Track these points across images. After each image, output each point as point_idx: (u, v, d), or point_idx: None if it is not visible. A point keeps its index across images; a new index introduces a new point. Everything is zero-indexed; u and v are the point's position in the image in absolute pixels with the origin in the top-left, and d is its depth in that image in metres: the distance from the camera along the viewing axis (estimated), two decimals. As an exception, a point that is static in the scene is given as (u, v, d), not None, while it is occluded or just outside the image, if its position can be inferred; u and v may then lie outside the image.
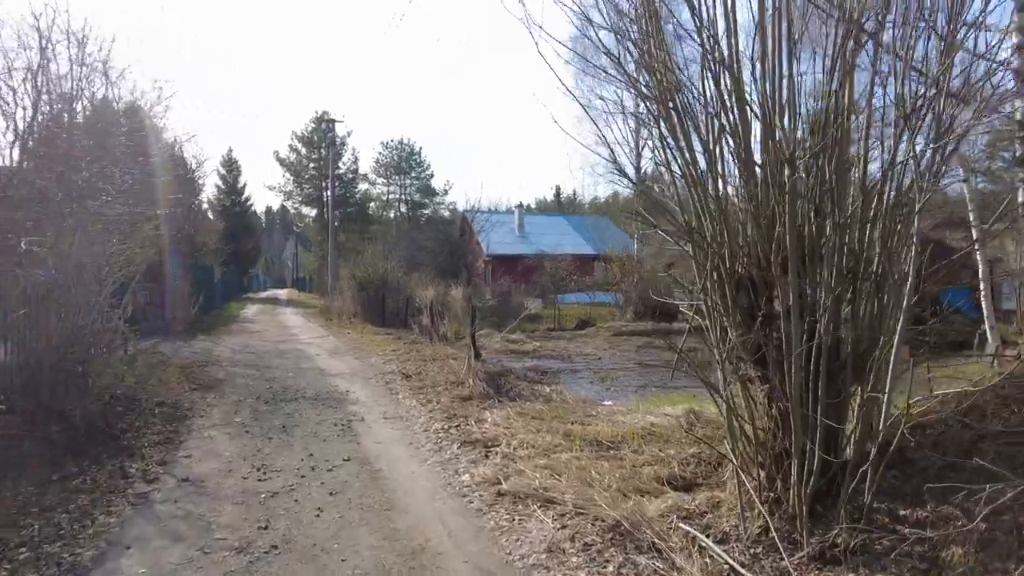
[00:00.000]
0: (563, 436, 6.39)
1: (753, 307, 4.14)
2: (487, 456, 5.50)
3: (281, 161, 45.57)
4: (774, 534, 3.59)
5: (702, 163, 4.36)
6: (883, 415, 3.36)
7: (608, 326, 21.92)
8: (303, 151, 45.70)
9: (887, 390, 3.68)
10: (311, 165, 45.55)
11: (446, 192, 48.41)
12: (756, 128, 3.97)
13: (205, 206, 34.94)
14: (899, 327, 3.57)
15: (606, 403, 8.99)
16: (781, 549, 3.47)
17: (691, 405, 7.90)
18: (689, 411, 7.70)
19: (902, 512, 3.41)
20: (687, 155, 4.36)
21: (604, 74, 4.90)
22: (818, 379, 3.62)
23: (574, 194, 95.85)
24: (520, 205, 40.86)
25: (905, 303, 3.53)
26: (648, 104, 4.38)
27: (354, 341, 15.09)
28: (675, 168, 4.52)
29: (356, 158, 47.39)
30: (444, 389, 8.51)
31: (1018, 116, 8.91)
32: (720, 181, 4.21)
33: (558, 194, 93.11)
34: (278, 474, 5.07)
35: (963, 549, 2.96)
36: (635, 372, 12.54)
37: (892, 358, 3.63)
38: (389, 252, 25.98)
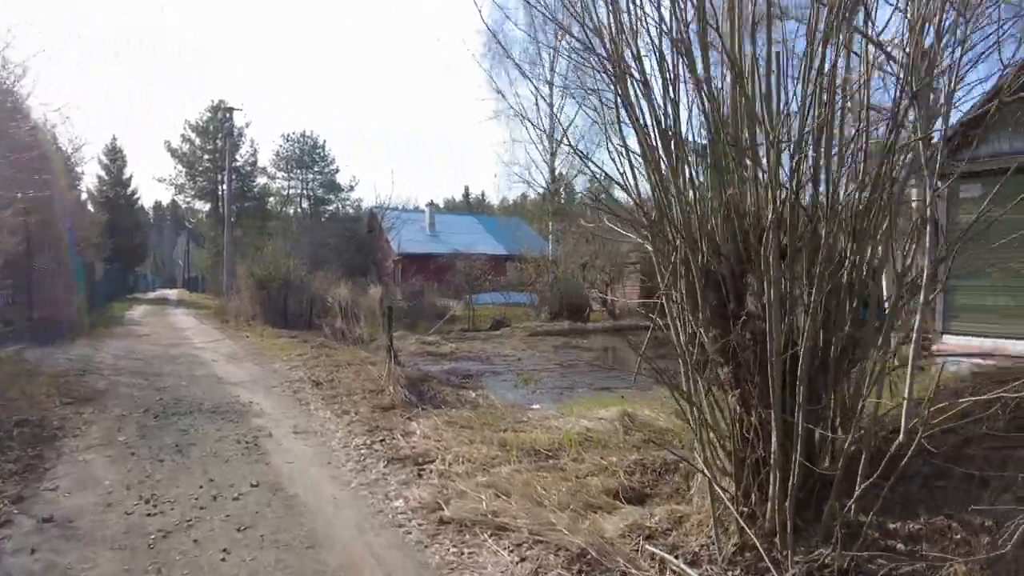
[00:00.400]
0: (499, 446, 5.90)
1: (723, 305, 3.80)
2: (420, 475, 4.89)
3: (173, 152, 42.22)
4: (760, 551, 3.23)
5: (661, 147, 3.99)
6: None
7: (524, 326, 21.65)
8: (197, 141, 42.56)
9: (866, 394, 3.48)
10: (206, 157, 42.50)
11: (352, 188, 46.61)
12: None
13: (84, 196, 31.70)
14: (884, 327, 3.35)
15: (535, 407, 8.58)
16: (770, 568, 3.12)
17: (624, 407, 7.62)
18: (623, 414, 7.41)
19: (892, 525, 3.15)
20: (649, 136, 3.98)
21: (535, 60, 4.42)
22: (797, 383, 3.30)
23: (483, 195, 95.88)
24: (431, 203, 40.00)
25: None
26: (608, 76, 3.94)
27: (254, 345, 13.89)
28: (634, 152, 4.13)
29: (255, 150, 44.76)
30: (362, 398, 7.78)
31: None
32: (686, 166, 3.85)
33: (467, 194, 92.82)
34: (172, 506, 4.24)
35: (967, 567, 2.73)
36: (557, 373, 12.23)
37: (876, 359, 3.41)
38: (291, 249, 24.50)
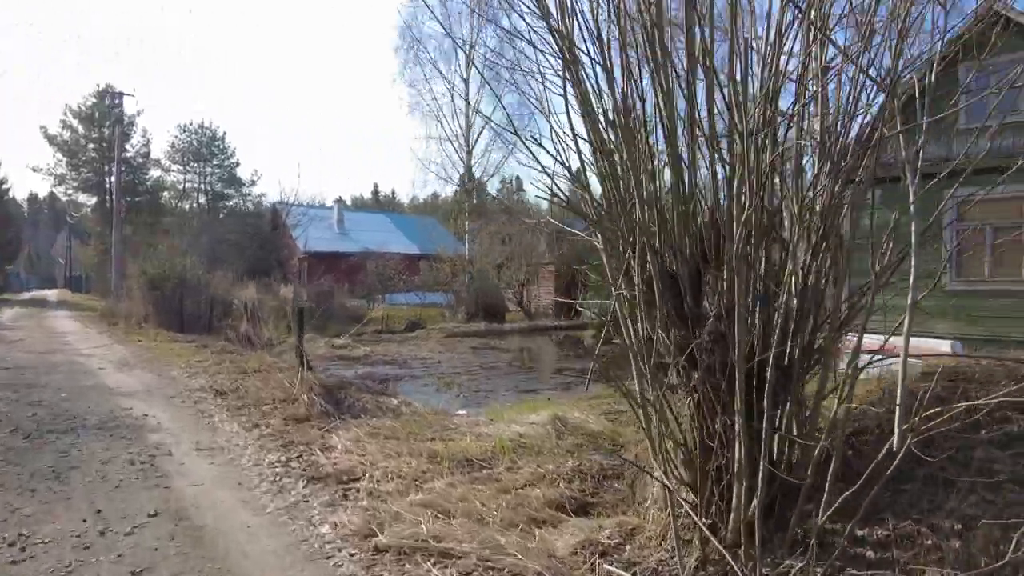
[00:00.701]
0: (428, 458, 5.51)
1: (681, 306, 3.61)
2: (346, 495, 4.42)
3: (51, 139, 38.39)
4: (727, 562, 3.04)
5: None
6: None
7: (440, 327, 21.19)
8: (80, 129, 38.94)
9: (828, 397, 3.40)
10: (91, 146, 38.95)
11: (254, 183, 44.18)
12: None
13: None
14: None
15: (461, 413, 8.23)
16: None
17: (555, 411, 7.40)
18: (555, 418, 7.19)
19: (860, 532, 3.05)
20: (600, 123, 3.74)
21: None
22: (765, 387, 3.14)
23: (393, 193, 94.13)
24: (339, 200, 38.66)
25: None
26: (558, 57, 3.65)
27: (148, 351, 12.68)
28: (584, 137, 3.87)
29: (148, 141, 41.55)
30: (273, 408, 7.13)
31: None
32: (647, 157, 3.63)
33: (376, 192, 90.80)
34: (46, 549, 3.56)
35: (942, 571, 2.65)
36: (479, 376, 11.92)
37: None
38: (189, 247, 22.83)
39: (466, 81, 22.87)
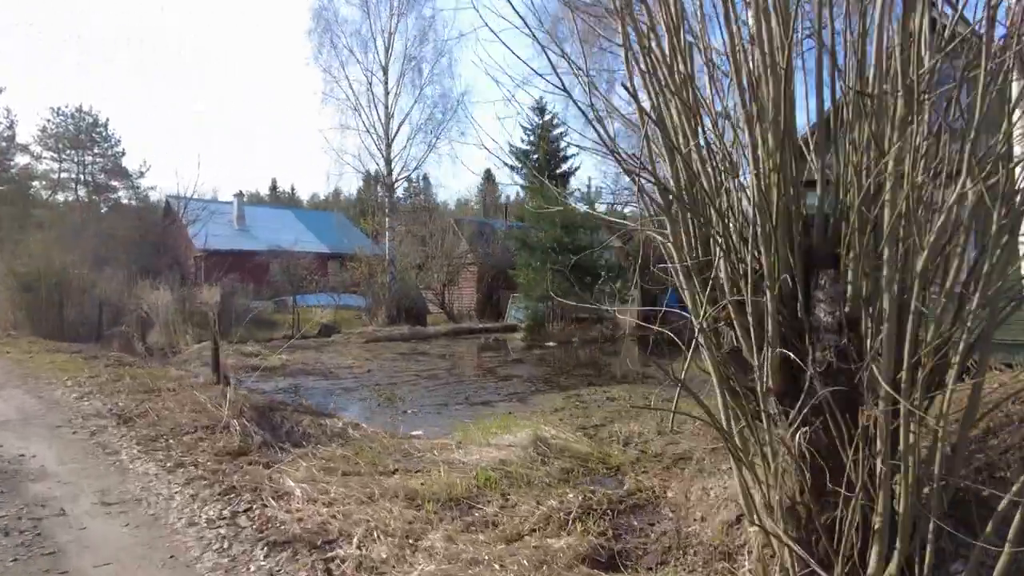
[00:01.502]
0: (406, 500, 4.53)
1: (794, 314, 2.84)
2: (329, 571, 3.34)
3: None
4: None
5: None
6: None
7: (359, 332, 19.78)
8: (-78, 106, 33.95)
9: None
10: (-62, 126, 34.09)
11: (142, 174, 40.30)
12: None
13: None
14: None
15: (418, 434, 7.22)
16: None
17: (532, 430, 6.56)
18: (536, 439, 6.34)
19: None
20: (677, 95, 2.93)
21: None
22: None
23: (293, 189, 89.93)
24: (240, 194, 35.82)
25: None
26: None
27: (20, 364, 10.66)
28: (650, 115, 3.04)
29: (13, 122, 36.92)
30: (197, 438, 5.82)
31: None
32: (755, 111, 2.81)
33: (274, 187, 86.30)
34: None
35: None
36: (421, 387, 10.85)
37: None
38: (67, 243, 20.07)
39: (385, 69, 21.56)
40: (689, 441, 6.92)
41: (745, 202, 2.95)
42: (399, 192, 25.17)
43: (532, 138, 45.64)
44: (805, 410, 2.65)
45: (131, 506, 4.27)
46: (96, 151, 39.69)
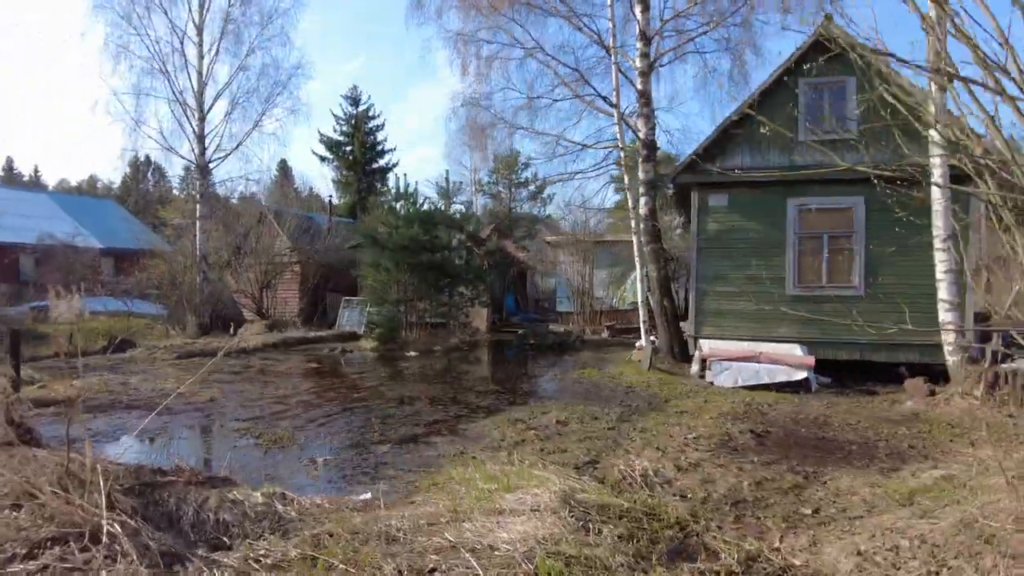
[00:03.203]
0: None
1: None
2: None
3: None
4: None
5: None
6: None
7: (166, 346, 15.87)
8: None
9: None
10: None
11: None
12: None
13: None
14: None
15: (364, 498, 5.24)
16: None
17: (554, 485, 4.99)
18: (565, 498, 4.81)
19: None
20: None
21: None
22: None
23: (37, 171, 75.30)
24: (-31, 172, 27.89)
25: None
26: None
27: None
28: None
29: None
30: (40, 547, 3.28)
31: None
32: None
33: (11, 167, 71.35)
34: None
35: None
36: (304, 420, 8.44)
37: None
38: None
39: (200, 28, 17.72)
40: (715, 471, 5.83)
41: None
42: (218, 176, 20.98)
43: (345, 128, 42.53)
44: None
45: None
46: None
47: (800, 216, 11.42)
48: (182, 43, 17.54)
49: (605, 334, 19.44)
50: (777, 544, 4.27)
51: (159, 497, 4.25)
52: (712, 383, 10.58)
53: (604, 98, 13.53)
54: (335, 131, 42.10)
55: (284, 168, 52.05)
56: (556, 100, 14.36)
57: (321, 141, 41.52)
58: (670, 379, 11.16)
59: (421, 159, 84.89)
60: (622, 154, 12.46)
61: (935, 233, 9.27)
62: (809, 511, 4.80)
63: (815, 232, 11.36)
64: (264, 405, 9.49)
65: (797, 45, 12.04)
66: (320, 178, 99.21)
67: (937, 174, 9.15)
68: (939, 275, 9.26)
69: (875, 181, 11.20)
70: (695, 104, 65.58)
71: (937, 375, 10.37)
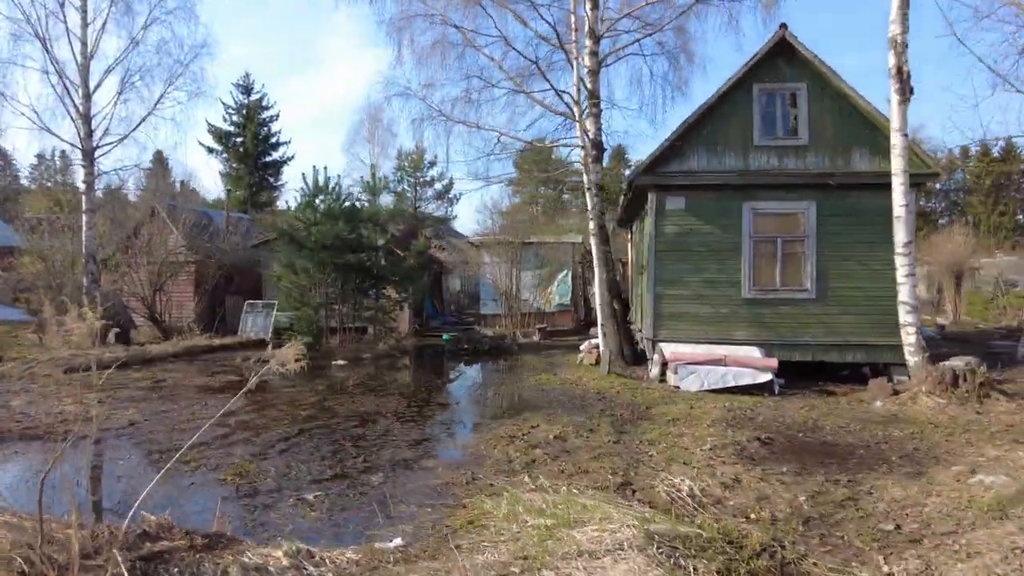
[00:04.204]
0: None
1: None
2: None
3: None
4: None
5: None
6: None
7: (49, 359, 13.58)
8: None
9: None
10: None
11: None
12: None
13: None
14: None
15: (395, 544, 4.43)
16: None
17: (633, 520, 4.46)
18: (648, 536, 4.31)
19: None
20: None
21: None
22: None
23: None
24: None
25: None
26: None
27: None
28: None
29: None
30: None
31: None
32: None
33: None
34: None
35: None
36: (259, 447, 7.29)
37: None
38: None
39: (83, -7, 15.36)
40: (759, 485, 5.49)
41: None
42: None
43: (236, 117, 39.47)
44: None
45: None
46: None
47: (755, 219, 11.55)
48: (62, 6, 15.17)
49: (536, 337, 19.06)
50: (887, 568, 3.96)
51: (167, 572, 3.24)
52: (677, 387, 10.42)
53: (560, 94, 13.07)
54: (225, 120, 38.97)
55: (160, 158, 47.48)
56: (503, 93, 13.76)
57: (209, 131, 38.26)
58: (632, 384, 10.91)
59: (318, 151, 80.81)
60: (583, 153, 12.07)
61: (896, 238, 9.61)
62: (891, 527, 4.55)
63: (769, 236, 11.52)
64: (201, 427, 8.16)
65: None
66: (206, 170, 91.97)
67: (898, 181, 9.48)
68: (900, 279, 9.61)
69: (833, 184, 11.77)
70: (632, 103, 66.85)
71: (881, 373, 10.87)
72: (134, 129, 16.29)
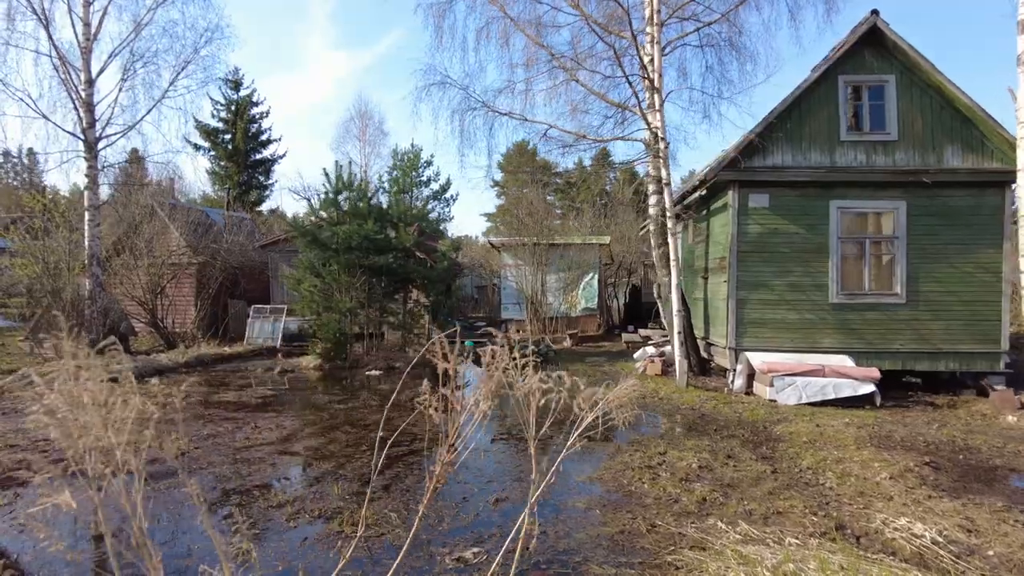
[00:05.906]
0: None
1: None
2: None
3: None
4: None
5: None
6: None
7: (47, 370, 12.24)
8: None
9: None
10: None
11: None
12: None
13: None
14: None
15: None
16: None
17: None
18: None
19: None
20: None
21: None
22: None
23: None
24: None
25: None
26: None
27: None
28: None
29: None
30: None
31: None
32: None
33: None
34: None
35: None
36: (345, 475, 6.21)
37: None
38: None
39: (86, -32, 13.98)
40: (991, 527, 4.62)
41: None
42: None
43: (225, 114, 37.83)
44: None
45: None
46: None
47: (842, 219, 10.77)
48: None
49: (567, 343, 18.10)
50: None
51: None
52: (773, 400, 9.57)
53: (630, 79, 12.13)
54: (213, 117, 37.31)
55: (137, 156, 45.47)
56: (557, 81, 12.79)
57: (197, 127, 36.57)
58: (718, 396, 10.01)
59: (305, 150, 78.69)
60: (662, 146, 11.16)
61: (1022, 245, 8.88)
62: None
63: (857, 237, 10.75)
64: (266, 458, 7.05)
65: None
66: (188, 167, 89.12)
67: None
68: (1026, 285, 8.89)
69: (928, 181, 11.04)
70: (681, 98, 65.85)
71: (960, 383, 10.23)
72: (142, 118, 14.93)
